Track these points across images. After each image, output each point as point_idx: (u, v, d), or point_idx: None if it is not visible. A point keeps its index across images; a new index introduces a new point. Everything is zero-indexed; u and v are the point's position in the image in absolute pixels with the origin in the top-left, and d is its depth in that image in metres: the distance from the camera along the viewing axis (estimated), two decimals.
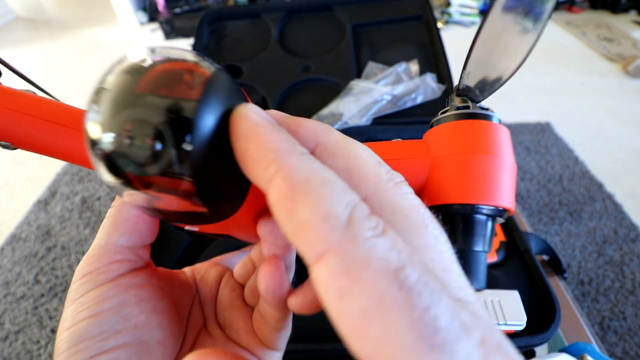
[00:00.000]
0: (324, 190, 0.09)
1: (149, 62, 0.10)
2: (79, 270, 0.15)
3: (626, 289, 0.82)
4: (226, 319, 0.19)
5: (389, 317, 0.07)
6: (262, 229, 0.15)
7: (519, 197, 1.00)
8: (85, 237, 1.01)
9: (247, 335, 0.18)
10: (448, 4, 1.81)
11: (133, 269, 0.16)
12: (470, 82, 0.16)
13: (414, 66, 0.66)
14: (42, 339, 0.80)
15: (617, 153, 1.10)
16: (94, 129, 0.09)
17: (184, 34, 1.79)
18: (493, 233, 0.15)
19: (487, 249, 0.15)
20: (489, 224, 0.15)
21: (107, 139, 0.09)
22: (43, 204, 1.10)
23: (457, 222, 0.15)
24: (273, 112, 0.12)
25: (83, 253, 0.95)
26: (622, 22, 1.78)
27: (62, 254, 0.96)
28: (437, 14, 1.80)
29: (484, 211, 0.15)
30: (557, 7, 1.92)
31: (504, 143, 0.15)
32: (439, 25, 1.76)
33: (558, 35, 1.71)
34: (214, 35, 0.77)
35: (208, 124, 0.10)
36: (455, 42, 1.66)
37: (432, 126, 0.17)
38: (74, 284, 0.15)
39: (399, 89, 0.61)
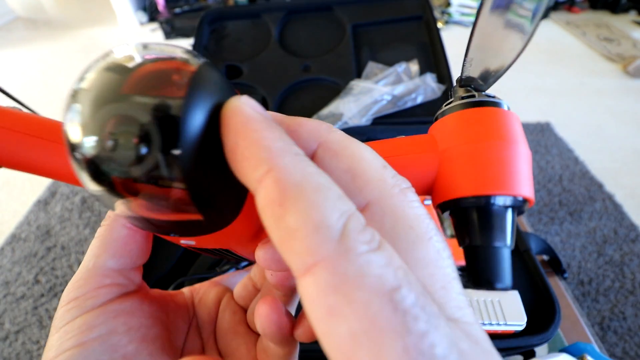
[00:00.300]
0: (318, 196, 0.08)
1: (134, 61, 0.09)
2: (65, 295, 0.14)
3: (626, 289, 0.82)
4: (228, 347, 0.17)
5: (381, 342, 0.07)
6: (262, 255, 0.13)
7: None
8: (85, 237, 1.01)
9: None
10: (448, 4, 1.81)
11: (123, 293, 0.15)
12: (473, 72, 0.15)
13: (414, 66, 0.66)
14: (42, 339, 0.80)
15: (617, 153, 1.10)
16: (74, 130, 0.09)
17: (184, 34, 1.79)
18: (515, 227, 0.14)
19: (510, 244, 0.14)
20: (509, 216, 0.14)
21: (89, 142, 0.08)
22: (43, 204, 1.10)
23: (472, 216, 0.14)
24: (272, 113, 0.11)
25: (83, 253, 0.95)
26: (622, 22, 1.78)
27: (62, 254, 0.96)
28: (437, 14, 1.80)
29: (501, 202, 0.13)
30: (557, 7, 1.92)
31: (517, 129, 0.14)
32: (439, 25, 1.76)
33: (558, 35, 1.71)
34: (214, 35, 0.77)
35: (196, 120, 0.09)
36: (455, 42, 1.66)
37: (436, 119, 0.16)
38: (60, 309, 0.14)
39: (399, 89, 0.61)
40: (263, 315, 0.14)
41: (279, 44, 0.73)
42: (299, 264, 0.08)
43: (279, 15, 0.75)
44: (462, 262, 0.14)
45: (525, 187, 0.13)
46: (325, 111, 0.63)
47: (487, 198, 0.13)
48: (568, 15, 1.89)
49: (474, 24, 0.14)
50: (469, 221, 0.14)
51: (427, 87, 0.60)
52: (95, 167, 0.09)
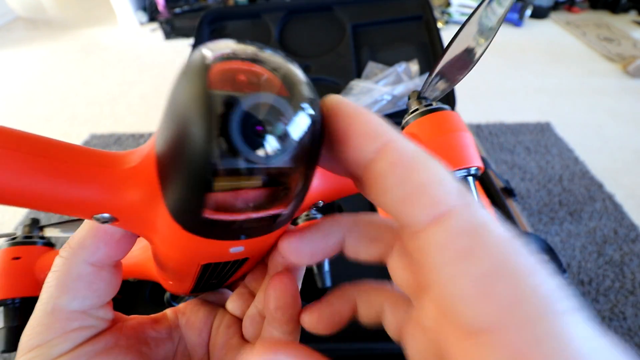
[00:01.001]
0: (433, 162, 0.09)
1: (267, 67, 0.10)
2: (25, 342, 0.13)
3: (626, 289, 0.82)
4: None
5: (513, 281, 0.07)
6: (287, 245, 0.13)
7: (519, 197, 1.00)
8: None
9: None
10: (448, 4, 1.82)
11: (94, 334, 0.14)
12: (430, 89, 0.20)
13: (414, 66, 0.66)
14: None
15: (617, 153, 1.10)
16: (223, 107, 0.09)
17: (184, 34, 1.79)
18: (476, 189, 0.20)
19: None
20: (471, 181, 0.20)
21: (241, 109, 0.09)
22: None
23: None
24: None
25: None
26: (622, 22, 1.78)
27: None
28: (437, 14, 1.80)
29: (465, 173, 0.19)
30: (557, 7, 1.92)
31: (462, 122, 0.20)
32: (439, 25, 1.76)
33: (558, 35, 1.71)
34: (214, 35, 0.77)
35: (317, 114, 0.10)
36: None
37: (403, 127, 0.21)
38: (21, 358, 0.12)
39: (399, 89, 0.61)
40: (279, 286, 0.14)
41: (279, 44, 0.73)
42: (426, 215, 0.08)
43: (279, 15, 0.75)
44: None
45: (478, 160, 0.19)
46: None
47: (454, 172, 0.19)
48: (568, 15, 1.89)
49: (445, 50, 0.18)
50: None
51: None
52: (232, 148, 0.09)
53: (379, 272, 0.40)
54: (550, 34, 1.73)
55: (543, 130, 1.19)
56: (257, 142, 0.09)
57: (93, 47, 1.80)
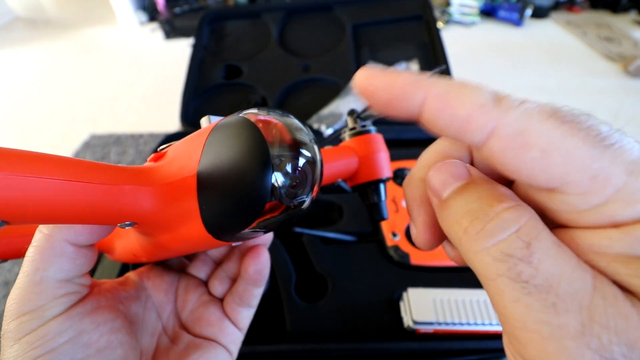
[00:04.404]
0: (470, 89, 0.10)
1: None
2: (16, 308, 0.14)
3: None
4: (199, 318, 0.20)
5: (564, 143, 0.09)
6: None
7: None
8: None
9: (218, 324, 0.20)
10: (448, 4, 1.81)
11: (80, 298, 0.16)
12: (366, 113, 0.25)
13: (414, 66, 0.66)
14: None
15: None
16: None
17: (184, 34, 1.79)
18: (385, 191, 0.26)
19: (383, 199, 0.26)
20: (382, 187, 0.26)
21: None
22: None
23: (371, 189, 0.26)
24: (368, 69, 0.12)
25: None
26: (622, 22, 1.78)
27: None
28: (437, 13, 1.80)
29: (382, 180, 0.26)
30: (557, 7, 1.92)
31: (384, 143, 0.26)
32: (439, 25, 1.76)
33: (558, 35, 1.71)
34: (214, 35, 0.77)
35: (320, 160, 0.15)
36: (455, 42, 1.66)
37: (342, 140, 0.27)
38: (12, 322, 0.14)
39: None
40: (256, 255, 0.20)
41: (279, 44, 0.73)
42: (481, 135, 0.10)
43: (279, 15, 0.75)
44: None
45: (388, 172, 0.26)
46: (325, 111, 0.63)
47: (380, 179, 0.25)
48: (568, 15, 1.89)
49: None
50: (370, 191, 0.26)
51: None
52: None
53: (378, 269, 0.40)
54: (550, 33, 1.73)
55: None
56: (293, 192, 0.13)
57: (93, 47, 1.80)
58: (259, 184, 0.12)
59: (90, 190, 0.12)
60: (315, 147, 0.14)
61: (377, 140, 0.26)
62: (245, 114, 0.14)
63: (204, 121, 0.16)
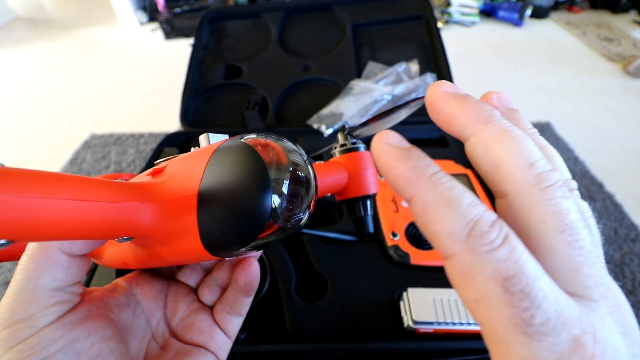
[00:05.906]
0: (447, 212, 0.10)
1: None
2: (6, 316, 0.14)
3: (626, 289, 0.82)
4: (189, 325, 0.21)
5: (493, 307, 0.10)
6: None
7: None
8: None
9: (208, 332, 0.20)
10: (448, 4, 1.81)
11: (71, 307, 0.16)
12: (357, 131, 0.26)
13: (414, 66, 0.66)
14: None
15: (617, 153, 1.10)
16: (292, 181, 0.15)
17: (184, 34, 1.79)
18: (372, 207, 0.28)
19: (370, 214, 0.27)
20: (369, 202, 0.27)
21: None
22: None
23: (359, 204, 0.27)
24: (446, 86, 0.13)
25: None
26: (622, 22, 1.78)
27: None
28: (437, 14, 1.80)
29: (369, 196, 0.27)
30: (557, 7, 1.92)
31: (370, 161, 0.27)
32: (439, 25, 1.76)
33: (558, 35, 1.71)
34: (214, 35, 0.77)
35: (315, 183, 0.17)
36: (455, 42, 1.66)
37: (332, 155, 0.28)
38: (4, 330, 0.14)
39: (399, 89, 0.61)
40: (247, 267, 0.20)
41: (279, 44, 0.73)
42: (441, 253, 0.11)
43: (279, 15, 0.75)
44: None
45: (375, 188, 0.27)
46: (325, 111, 0.63)
47: (368, 195, 0.26)
48: (568, 15, 1.89)
49: (382, 115, 0.21)
50: (357, 206, 0.27)
51: (427, 86, 0.60)
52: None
53: (378, 269, 0.40)
54: (550, 33, 1.73)
55: (543, 130, 1.19)
56: (290, 214, 0.15)
57: (93, 47, 1.80)
58: (259, 207, 0.13)
59: (94, 209, 0.12)
60: (310, 168, 0.16)
61: (366, 157, 0.27)
62: (246, 139, 0.15)
63: (203, 140, 0.16)
